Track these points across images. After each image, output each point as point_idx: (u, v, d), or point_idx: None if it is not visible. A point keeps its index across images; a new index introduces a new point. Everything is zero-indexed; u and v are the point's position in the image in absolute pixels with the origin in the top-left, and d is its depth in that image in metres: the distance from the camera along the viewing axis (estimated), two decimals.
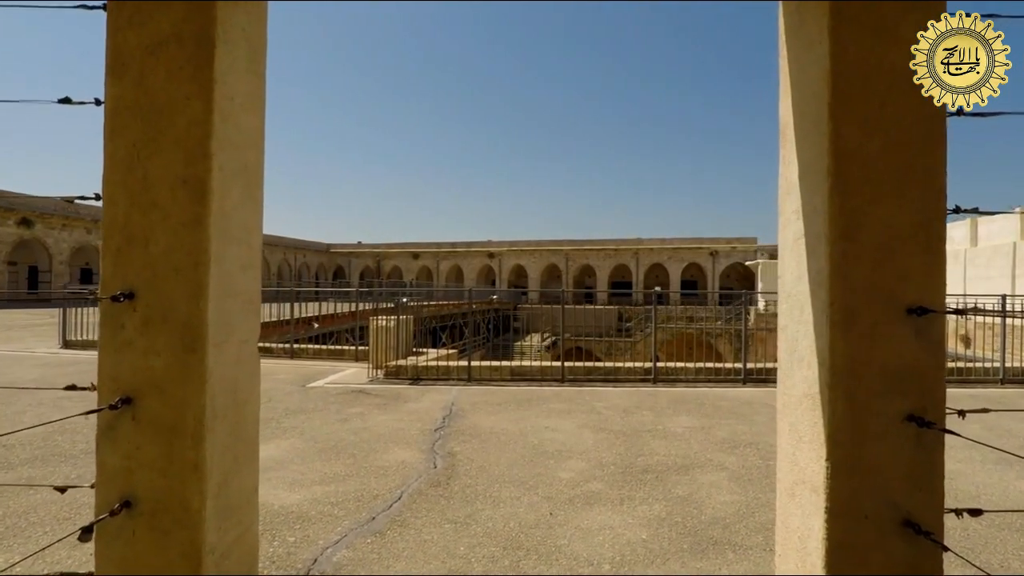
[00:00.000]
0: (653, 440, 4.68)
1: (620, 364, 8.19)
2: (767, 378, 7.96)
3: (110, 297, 1.75)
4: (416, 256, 54.05)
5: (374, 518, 3.00)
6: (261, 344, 11.01)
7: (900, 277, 1.73)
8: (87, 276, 35.69)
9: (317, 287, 42.73)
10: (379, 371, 8.01)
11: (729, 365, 8.14)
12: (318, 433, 4.76)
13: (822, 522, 1.71)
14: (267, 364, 9.00)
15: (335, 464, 3.93)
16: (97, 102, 1.86)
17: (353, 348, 10.02)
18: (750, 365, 7.96)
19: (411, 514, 3.07)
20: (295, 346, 10.28)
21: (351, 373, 8.22)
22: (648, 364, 8.00)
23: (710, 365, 8.18)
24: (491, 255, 51.49)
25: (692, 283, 46.77)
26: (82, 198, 1.85)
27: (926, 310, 1.69)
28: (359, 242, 57.60)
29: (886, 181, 1.76)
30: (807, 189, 1.93)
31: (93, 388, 1.76)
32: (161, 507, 1.74)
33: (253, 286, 2.07)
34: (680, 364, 8.12)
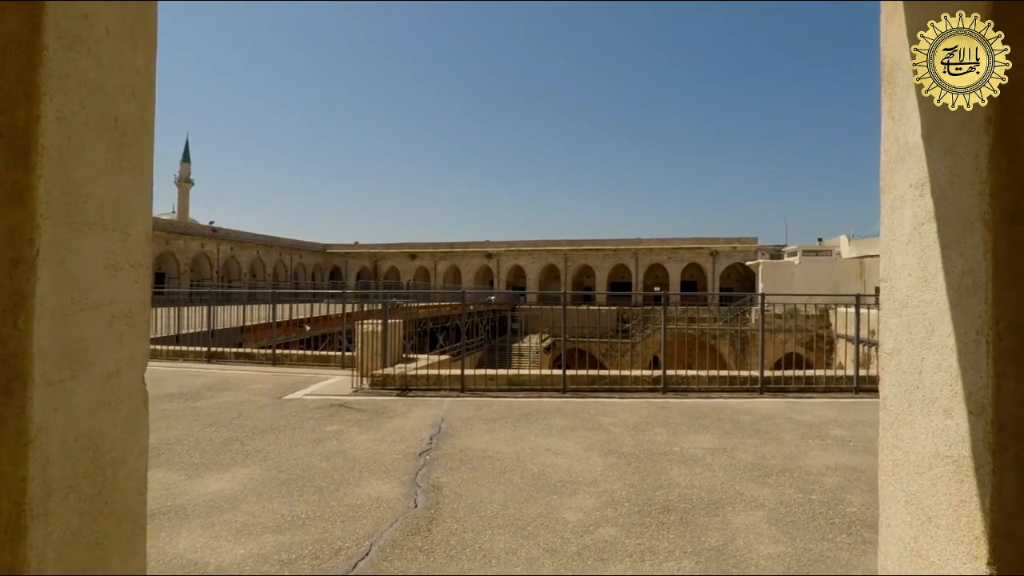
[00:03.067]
0: (671, 466, 4.06)
1: (627, 373, 7.57)
2: (785, 387, 7.37)
3: None
4: (413, 256, 53.41)
5: None
6: (241, 350, 10.12)
7: None
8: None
9: (313, 288, 42.06)
10: (365, 380, 7.38)
11: (744, 373, 7.52)
12: (284, 458, 4.13)
13: None
14: (245, 372, 8.38)
15: (297, 502, 3.31)
16: None
17: (339, 354, 9.39)
18: (767, 373, 7.35)
19: None
20: (278, 351, 9.65)
21: (335, 383, 7.60)
22: (657, 372, 7.39)
23: (724, 373, 7.56)
24: (489, 255, 50.87)
25: (692, 283, 46.19)
26: None
27: None
28: (355, 242, 56.93)
29: None
30: (941, 150, 1.31)
31: None
32: None
33: (132, 294, 1.44)
34: (692, 372, 7.50)
